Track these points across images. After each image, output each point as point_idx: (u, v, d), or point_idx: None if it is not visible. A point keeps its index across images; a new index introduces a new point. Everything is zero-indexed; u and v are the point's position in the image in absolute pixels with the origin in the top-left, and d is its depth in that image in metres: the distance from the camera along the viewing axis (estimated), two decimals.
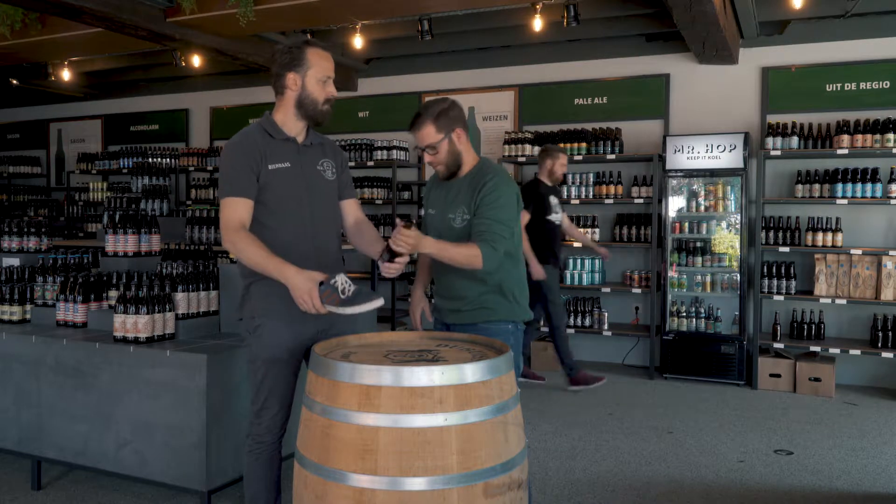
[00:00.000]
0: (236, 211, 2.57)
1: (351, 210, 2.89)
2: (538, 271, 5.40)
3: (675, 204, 6.37)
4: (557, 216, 5.76)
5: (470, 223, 2.75)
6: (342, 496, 2.04)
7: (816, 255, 5.99)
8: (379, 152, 7.37)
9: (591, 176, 6.80)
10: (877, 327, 5.81)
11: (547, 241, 5.64)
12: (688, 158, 6.21)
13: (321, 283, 2.38)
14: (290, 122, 2.69)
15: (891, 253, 5.72)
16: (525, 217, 5.52)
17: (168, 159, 8.20)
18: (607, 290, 6.65)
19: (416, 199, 7.76)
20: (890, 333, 5.76)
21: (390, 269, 2.52)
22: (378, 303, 2.26)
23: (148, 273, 3.62)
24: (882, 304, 5.77)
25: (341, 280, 2.34)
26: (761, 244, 6.08)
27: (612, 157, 6.62)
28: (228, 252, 2.61)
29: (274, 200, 2.63)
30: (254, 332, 2.67)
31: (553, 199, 5.73)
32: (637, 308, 6.90)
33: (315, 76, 2.62)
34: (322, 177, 2.76)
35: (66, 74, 7.69)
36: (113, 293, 3.74)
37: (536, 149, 6.89)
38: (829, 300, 5.86)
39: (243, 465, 2.77)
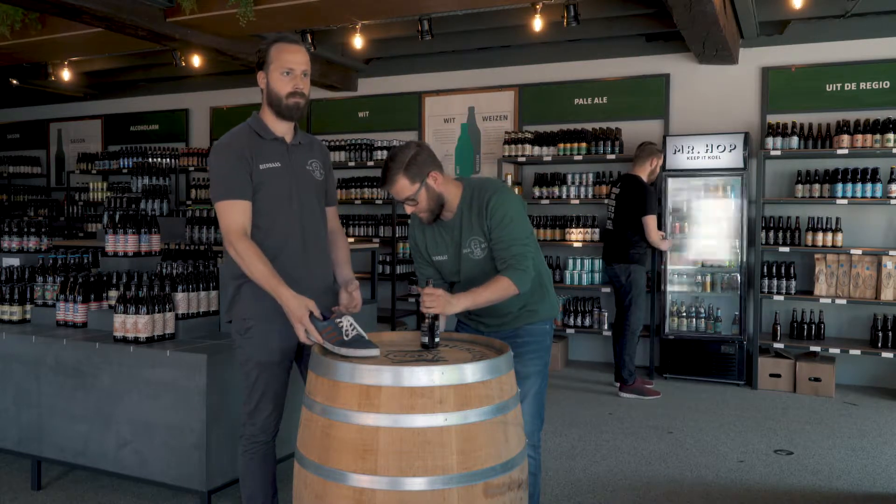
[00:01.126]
0: (235, 214, 2.55)
1: (329, 217, 2.89)
2: (666, 242, 5.85)
3: (674, 204, 6.37)
4: None
5: (490, 249, 2.65)
6: (342, 496, 2.04)
7: (816, 255, 5.99)
8: (379, 152, 7.37)
9: (590, 176, 6.81)
10: (877, 327, 5.80)
11: (646, 240, 5.69)
12: (688, 158, 6.21)
13: (327, 318, 2.40)
14: (272, 122, 2.69)
15: (891, 253, 5.72)
16: (653, 221, 5.62)
17: (168, 159, 8.19)
18: (607, 290, 6.62)
19: None
20: (890, 333, 5.76)
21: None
22: (374, 353, 2.27)
23: (148, 273, 3.62)
24: (882, 304, 5.77)
25: (347, 322, 2.38)
26: (761, 244, 6.07)
27: (612, 157, 6.62)
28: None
29: (264, 200, 2.63)
30: (245, 333, 2.66)
31: None
32: None
33: (277, 70, 2.61)
34: (311, 176, 2.76)
35: (66, 74, 7.69)
36: (113, 293, 3.74)
37: (536, 149, 6.90)
38: (829, 300, 5.86)
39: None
